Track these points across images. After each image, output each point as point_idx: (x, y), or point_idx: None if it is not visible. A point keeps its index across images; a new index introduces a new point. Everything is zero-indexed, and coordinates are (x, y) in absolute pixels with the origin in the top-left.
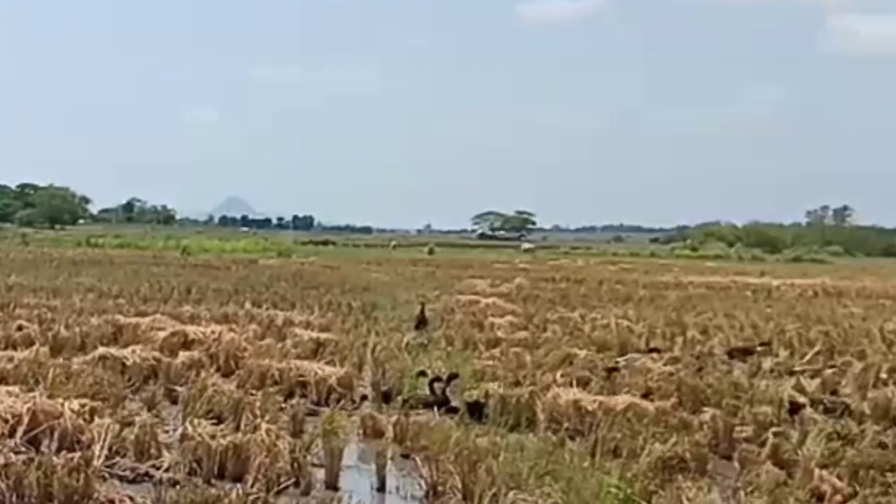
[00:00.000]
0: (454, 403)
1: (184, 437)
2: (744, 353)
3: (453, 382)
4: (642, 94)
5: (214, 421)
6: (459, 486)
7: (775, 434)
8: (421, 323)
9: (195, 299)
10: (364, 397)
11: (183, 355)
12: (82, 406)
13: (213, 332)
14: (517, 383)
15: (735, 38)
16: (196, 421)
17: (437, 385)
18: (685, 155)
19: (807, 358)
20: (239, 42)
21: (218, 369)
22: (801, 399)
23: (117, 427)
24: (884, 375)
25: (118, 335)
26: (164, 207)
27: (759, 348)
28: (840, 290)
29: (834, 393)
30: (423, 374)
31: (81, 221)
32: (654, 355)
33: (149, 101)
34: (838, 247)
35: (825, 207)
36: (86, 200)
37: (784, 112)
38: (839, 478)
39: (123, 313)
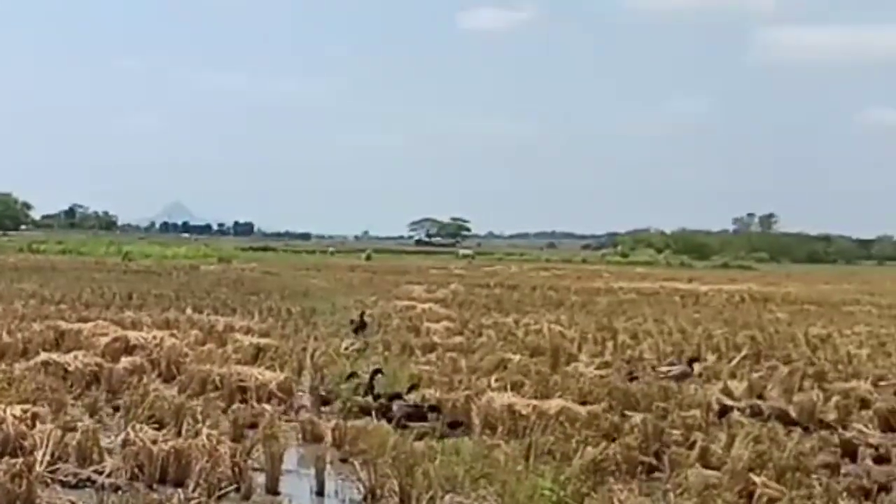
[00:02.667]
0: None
1: (126, 442)
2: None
3: (376, 378)
4: (574, 104)
5: (156, 426)
6: (397, 489)
7: (704, 437)
8: (359, 328)
9: (137, 305)
10: (301, 407)
11: (125, 361)
12: (24, 412)
13: (154, 337)
14: (453, 388)
15: (664, 49)
16: (138, 426)
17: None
18: (616, 163)
19: (734, 362)
20: (181, 48)
21: (159, 375)
22: (729, 402)
23: (59, 432)
24: (808, 380)
25: (60, 341)
26: (105, 213)
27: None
28: (766, 296)
29: (760, 397)
30: (353, 375)
31: (24, 227)
32: (696, 365)
33: (91, 106)
34: (764, 253)
35: (751, 215)
36: (28, 206)
37: (712, 121)
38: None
39: (65, 319)
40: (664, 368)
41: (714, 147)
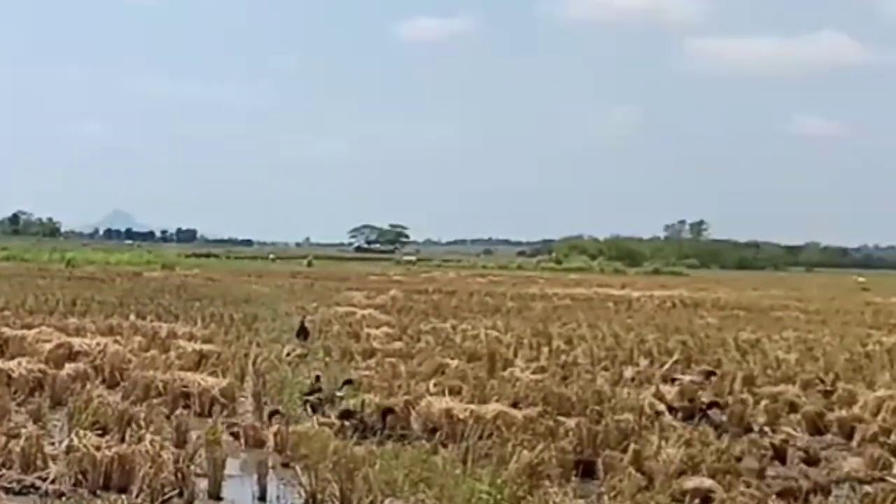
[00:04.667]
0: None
1: (70, 448)
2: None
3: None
4: (510, 113)
5: (100, 432)
6: (338, 493)
7: (636, 441)
8: (301, 334)
9: (80, 311)
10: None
11: (69, 367)
12: None
13: (98, 344)
14: (392, 393)
15: (597, 59)
16: (82, 432)
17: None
18: (550, 171)
19: (666, 367)
20: (123, 56)
21: (103, 381)
22: (661, 406)
23: (3, 439)
24: (738, 384)
25: (4, 347)
26: (49, 220)
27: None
28: (696, 302)
29: (692, 401)
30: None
31: None
32: (713, 377)
33: (36, 113)
34: (695, 259)
35: (682, 222)
36: None
37: (643, 130)
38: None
39: (9, 325)
40: (683, 377)
41: (646, 155)
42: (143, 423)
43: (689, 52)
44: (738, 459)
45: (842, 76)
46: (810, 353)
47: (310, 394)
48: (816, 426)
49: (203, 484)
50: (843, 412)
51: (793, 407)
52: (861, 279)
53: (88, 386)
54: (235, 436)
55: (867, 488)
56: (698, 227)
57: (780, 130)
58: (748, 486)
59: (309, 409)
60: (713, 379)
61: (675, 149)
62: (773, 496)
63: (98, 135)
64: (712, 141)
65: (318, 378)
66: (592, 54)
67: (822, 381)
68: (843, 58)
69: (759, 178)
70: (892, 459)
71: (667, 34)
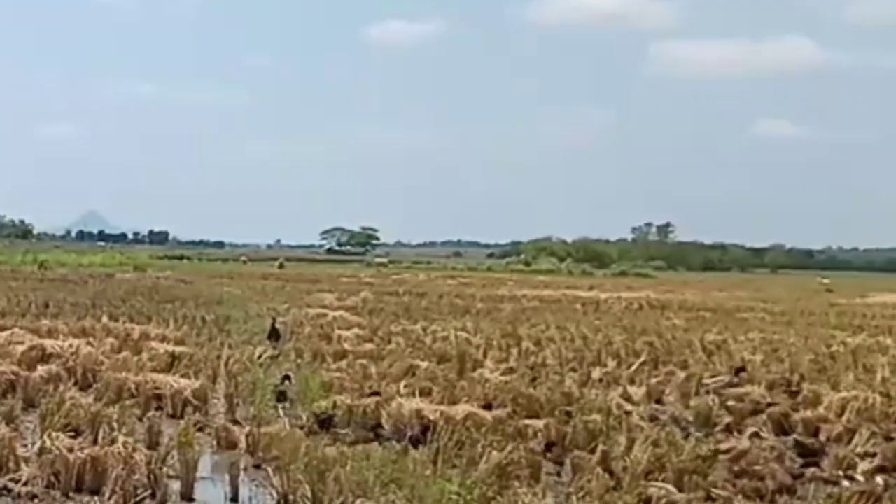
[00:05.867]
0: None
1: (42, 450)
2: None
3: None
4: (480, 115)
5: (72, 434)
6: (309, 494)
7: (605, 441)
8: (272, 336)
9: (53, 313)
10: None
11: (41, 369)
12: None
13: (70, 345)
14: (363, 394)
15: (567, 62)
16: (54, 434)
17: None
18: (519, 173)
19: (633, 368)
20: (96, 57)
21: (76, 383)
22: (629, 407)
23: None
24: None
25: None
26: (21, 222)
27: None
28: (663, 303)
29: (659, 402)
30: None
31: None
32: (743, 374)
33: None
34: (661, 261)
35: (649, 224)
36: None
37: (611, 132)
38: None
39: None
40: (712, 379)
41: (613, 157)
42: (115, 425)
43: (657, 55)
44: (705, 460)
45: (807, 79)
46: (775, 354)
47: (280, 395)
48: (782, 427)
49: (175, 485)
50: (809, 413)
51: (758, 407)
52: (825, 281)
53: (61, 388)
54: (208, 437)
55: (832, 488)
56: (665, 229)
57: (746, 133)
58: (714, 486)
59: (280, 410)
60: (743, 375)
61: (643, 151)
62: (739, 496)
63: (70, 136)
64: (679, 143)
65: (286, 378)
66: (562, 57)
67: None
68: (808, 61)
69: (725, 181)
70: (857, 459)
71: (636, 37)
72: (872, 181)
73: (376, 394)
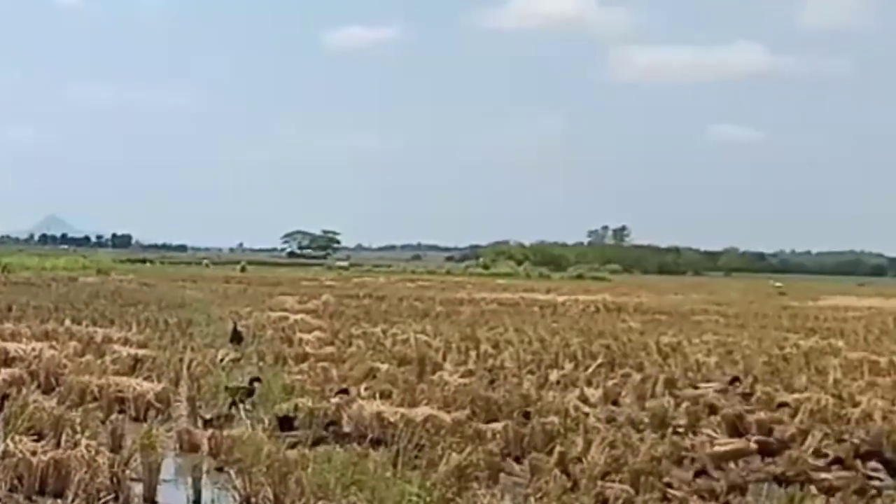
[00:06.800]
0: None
1: (5, 453)
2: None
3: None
4: (438, 120)
5: (35, 437)
6: (271, 497)
7: (562, 443)
8: (234, 339)
9: (16, 316)
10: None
11: (4, 372)
12: None
13: (33, 349)
14: (324, 396)
15: (522, 67)
16: (17, 437)
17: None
18: (477, 177)
19: (590, 370)
20: (56, 59)
21: (38, 386)
22: (586, 409)
23: None
24: (660, 386)
25: None
26: None
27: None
28: (619, 306)
29: (615, 403)
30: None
31: None
32: (737, 384)
33: None
34: (617, 265)
35: (605, 227)
36: None
37: (568, 137)
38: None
39: None
40: (705, 384)
41: (571, 162)
42: (78, 428)
43: (610, 60)
44: (659, 461)
45: (758, 84)
46: (729, 357)
47: (247, 394)
48: (736, 428)
49: (138, 488)
50: (762, 414)
51: (713, 409)
52: (778, 284)
53: (24, 391)
54: (171, 440)
55: (785, 488)
56: (621, 232)
57: (699, 138)
58: (669, 486)
59: (242, 413)
60: (737, 385)
61: (599, 155)
62: (694, 496)
63: (31, 139)
64: (634, 148)
65: (252, 381)
66: (516, 62)
67: (739, 382)
68: (760, 66)
69: (679, 185)
70: (809, 459)
71: (589, 43)
72: (824, 185)
73: (344, 392)
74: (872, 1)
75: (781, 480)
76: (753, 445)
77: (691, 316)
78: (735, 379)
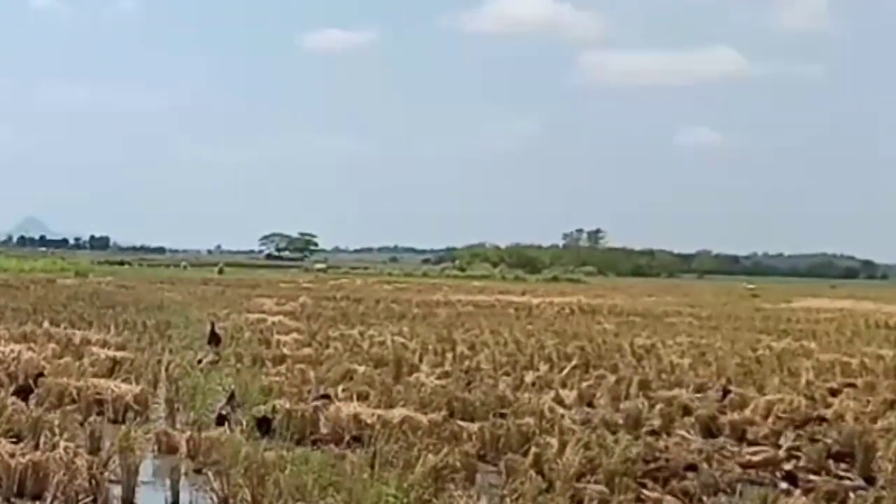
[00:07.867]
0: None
1: None
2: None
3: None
4: (414, 123)
5: (14, 440)
6: (249, 498)
7: (537, 444)
8: (212, 341)
9: None
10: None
11: None
12: None
13: (11, 351)
14: (302, 398)
15: (497, 71)
16: None
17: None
18: (453, 180)
19: (565, 372)
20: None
21: (17, 388)
22: (561, 410)
23: None
24: (634, 388)
25: None
26: None
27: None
28: (594, 308)
29: (590, 405)
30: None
31: None
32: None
33: None
34: (592, 267)
35: (580, 230)
36: None
37: (543, 140)
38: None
39: None
40: (699, 395)
41: (545, 165)
42: (57, 430)
43: (584, 64)
44: (634, 462)
45: (731, 88)
46: (703, 358)
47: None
48: (710, 429)
49: (117, 490)
50: (736, 415)
51: (687, 410)
52: (750, 286)
53: (2, 393)
54: (149, 442)
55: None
56: (595, 235)
57: (672, 141)
58: (644, 487)
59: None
60: (730, 397)
61: (573, 159)
62: (668, 496)
63: (7, 141)
64: (608, 151)
65: (232, 394)
66: (492, 65)
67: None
68: (732, 70)
69: (653, 188)
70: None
71: (564, 46)
72: (796, 188)
73: (326, 397)
74: (843, 6)
75: (754, 482)
76: (782, 454)
77: (665, 318)
78: (727, 391)
